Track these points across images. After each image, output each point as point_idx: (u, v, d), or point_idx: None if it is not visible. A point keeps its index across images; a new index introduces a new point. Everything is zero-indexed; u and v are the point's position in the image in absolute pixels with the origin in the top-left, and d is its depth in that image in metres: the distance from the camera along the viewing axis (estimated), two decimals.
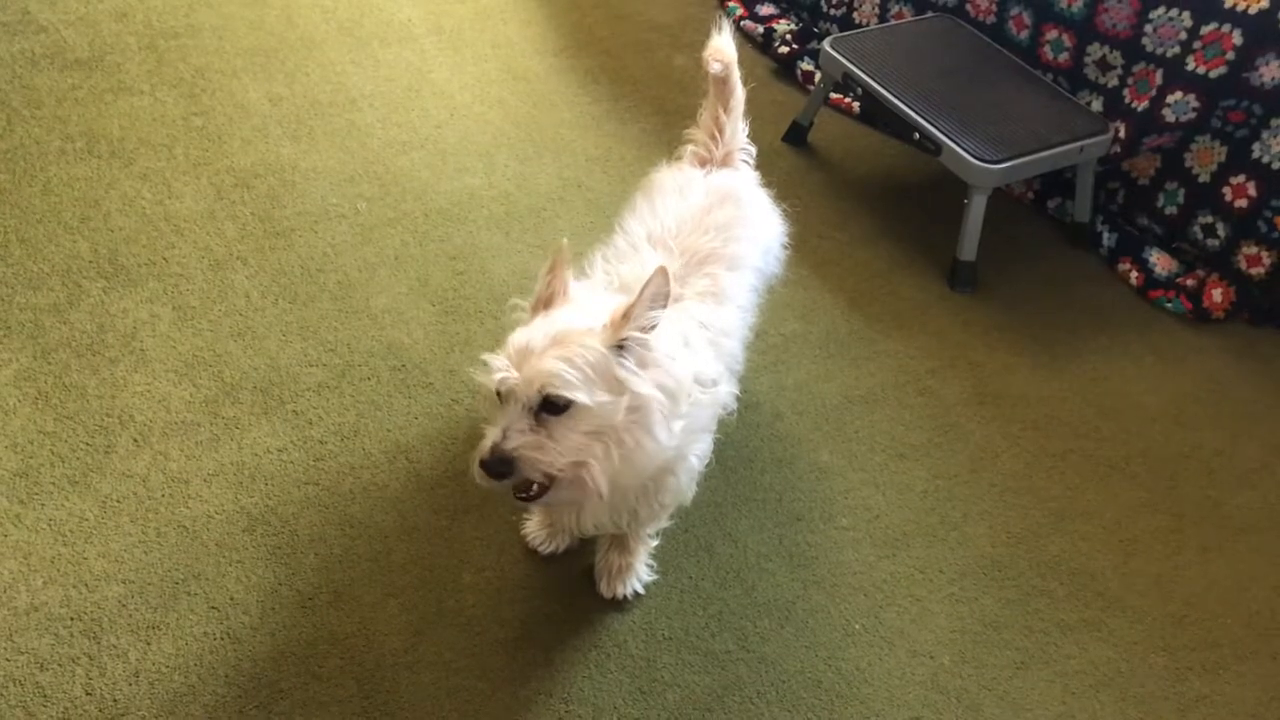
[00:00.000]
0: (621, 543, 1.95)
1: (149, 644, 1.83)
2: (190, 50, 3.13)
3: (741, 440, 2.27)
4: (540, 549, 2.03)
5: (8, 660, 1.79)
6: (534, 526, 2.05)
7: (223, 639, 1.86)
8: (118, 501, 2.03)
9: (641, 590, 1.99)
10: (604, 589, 1.97)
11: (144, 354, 2.30)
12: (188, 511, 2.03)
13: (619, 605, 1.97)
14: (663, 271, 1.55)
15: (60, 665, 1.79)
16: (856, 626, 1.99)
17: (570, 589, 1.99)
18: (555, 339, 1.55)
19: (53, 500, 2.03)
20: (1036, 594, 2.08)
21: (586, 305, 1.65)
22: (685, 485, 1.76)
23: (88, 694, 1.76)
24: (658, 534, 2.02)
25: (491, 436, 1.54)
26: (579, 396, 1.52)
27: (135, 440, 2.14)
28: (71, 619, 1.86)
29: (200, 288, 2.46)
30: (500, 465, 1.53)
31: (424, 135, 2.96)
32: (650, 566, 2.01)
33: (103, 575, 1.92)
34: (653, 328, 1.58)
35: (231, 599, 1.91)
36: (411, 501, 2.10)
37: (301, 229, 2.63)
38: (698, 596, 2.00)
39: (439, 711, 1.79)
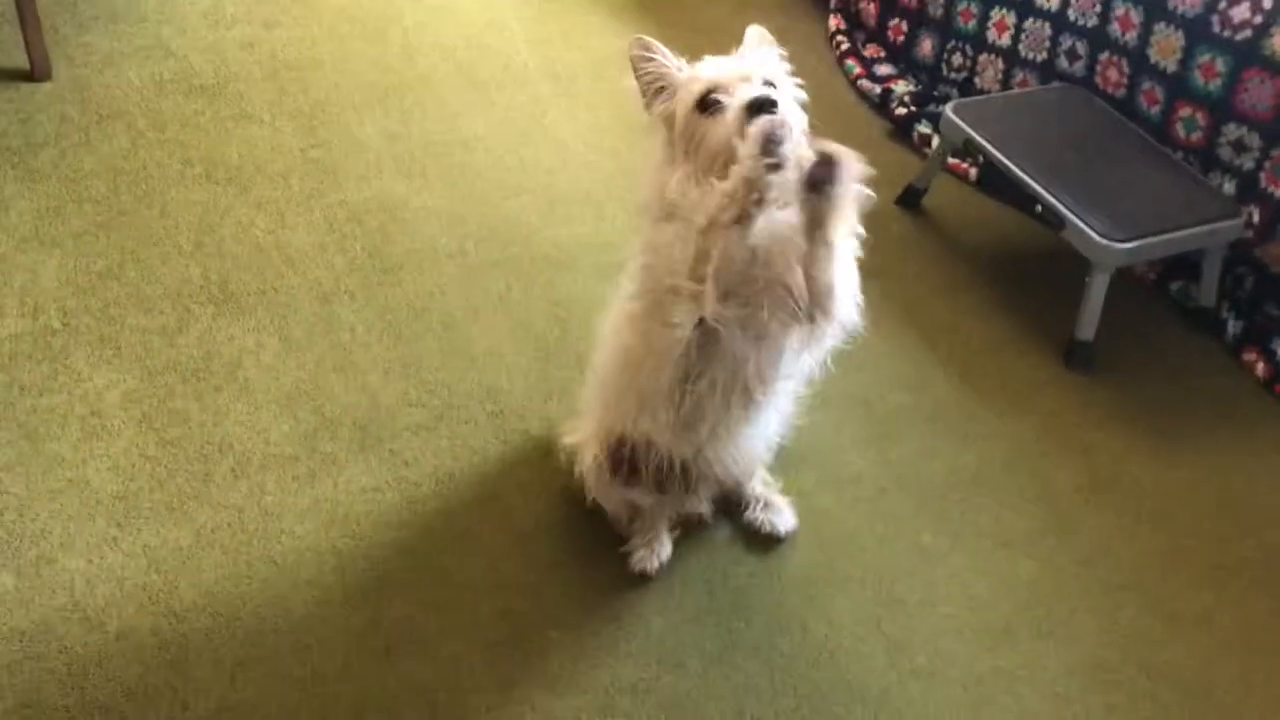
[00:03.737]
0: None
1: (233, 681, 1.82)
2: (311, 83, 3.18)
3: (842, 515, 2.21)
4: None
5: (96, 687, 1.79)
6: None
7: (306, 680, 1.84)
8: (212, 532, 2.03)
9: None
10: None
11: (247, 383, 2.31)
12: (280, 547, 2.02)
13: (705, 682, 1.90)
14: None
15: (145, 696, 1.79)
16: None
17: (654, 655, 1.93)
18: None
19: (149, 526, 2.03)
20: (1145, 700, 1.97)
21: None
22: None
23: None
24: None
25: (746, 94, 1.59)
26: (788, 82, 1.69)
27: (233, 470, 2.14)
28: (159, 649, 1.85)
29: (306, 319, 2.47)
30: (771, 105, 1.56)
31: (534, 180, 2.96)
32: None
33: (192, 606, 1.92)
34: None
35: (318, 639, 1.89)
36: (503, 552, 2.07)
37: (409, 266, 2.64)
38: (789, 676, 1.93)
39: None
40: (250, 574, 1.98)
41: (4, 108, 2.94)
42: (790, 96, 1.68)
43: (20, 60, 3.05)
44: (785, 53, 1.75)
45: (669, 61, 1.68)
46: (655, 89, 1.68)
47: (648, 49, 1.67)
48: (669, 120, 1.67)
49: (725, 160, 1.59)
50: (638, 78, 1.69)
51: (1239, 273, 2.78)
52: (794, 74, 1.74)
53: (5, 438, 2.16)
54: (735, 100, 1.59)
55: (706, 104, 1.61)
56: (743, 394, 1.77)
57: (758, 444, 1.98)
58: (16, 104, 2.96)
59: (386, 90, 3.20)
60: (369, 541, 2.05)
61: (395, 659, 1.88)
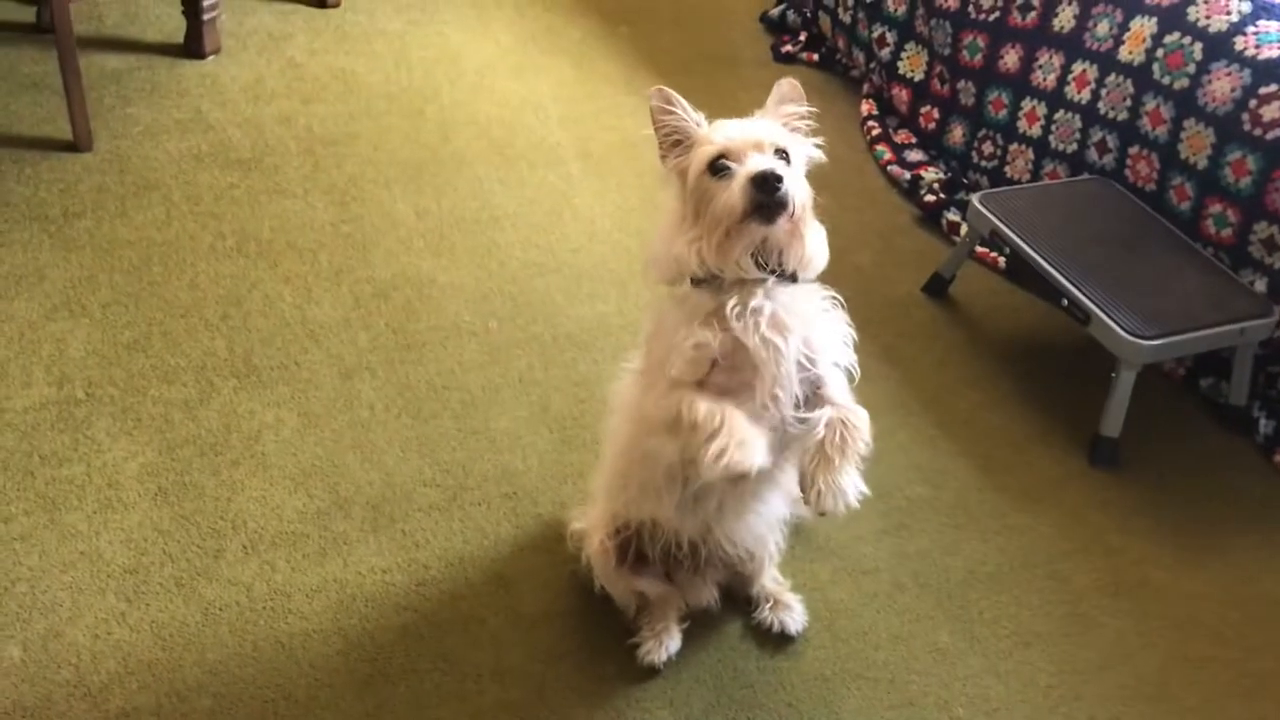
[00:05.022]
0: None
1: None
2: (346, 158, 3.23)
3: (856, 609, 2.17)
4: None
5: None
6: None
7: None
8: (220, 610, 2.03)
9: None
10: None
11: (264, 458, 2.32)
12: (286, 627, 2.01)
13: None
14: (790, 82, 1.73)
15: None
16: None
17: None
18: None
19: (158, 601, 2.03)
20: None
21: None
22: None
23: None
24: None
25: (753, 165, 1.60)
26: (802, 149, 1.72)
27: (245, 547, 2.14)
28: None
29: (327, 395, 2.48)
30: (776, 180, 1.59)
31: (561, 258, 2.98)
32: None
33: (196, 686, 1.91)
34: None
35: None
36: (509, 640, 2.05)
37: (432, 344, 2.65)
38: None
39: None
40: (256, 654, 1.97)
41: (45, 177, 3.01)
42: (799, 171, 1.70)
43: (64, 130, 3.12)
44: (812, 108, 1.76)
45: (688, 115, 1.70)
46: (672, 141, 1.71)
47: (668, 101, 1.70)
48: (683, 174, 1.70)
49: (728, 228, 1.62)
50: (656, 129, 1.72)
51: (1271, 371, 2.74)
52: (820, 144, 1.76)
53: (23, 508, 2.17)
54: (743, 169, 1.61)
55: (716, 168, 1.64)
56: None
57: (767, 520, 1.97)
58: (58, 173, 3.02)
59: (420, 167, 3.24)
60: (375, 624, 2.04)
61: None
